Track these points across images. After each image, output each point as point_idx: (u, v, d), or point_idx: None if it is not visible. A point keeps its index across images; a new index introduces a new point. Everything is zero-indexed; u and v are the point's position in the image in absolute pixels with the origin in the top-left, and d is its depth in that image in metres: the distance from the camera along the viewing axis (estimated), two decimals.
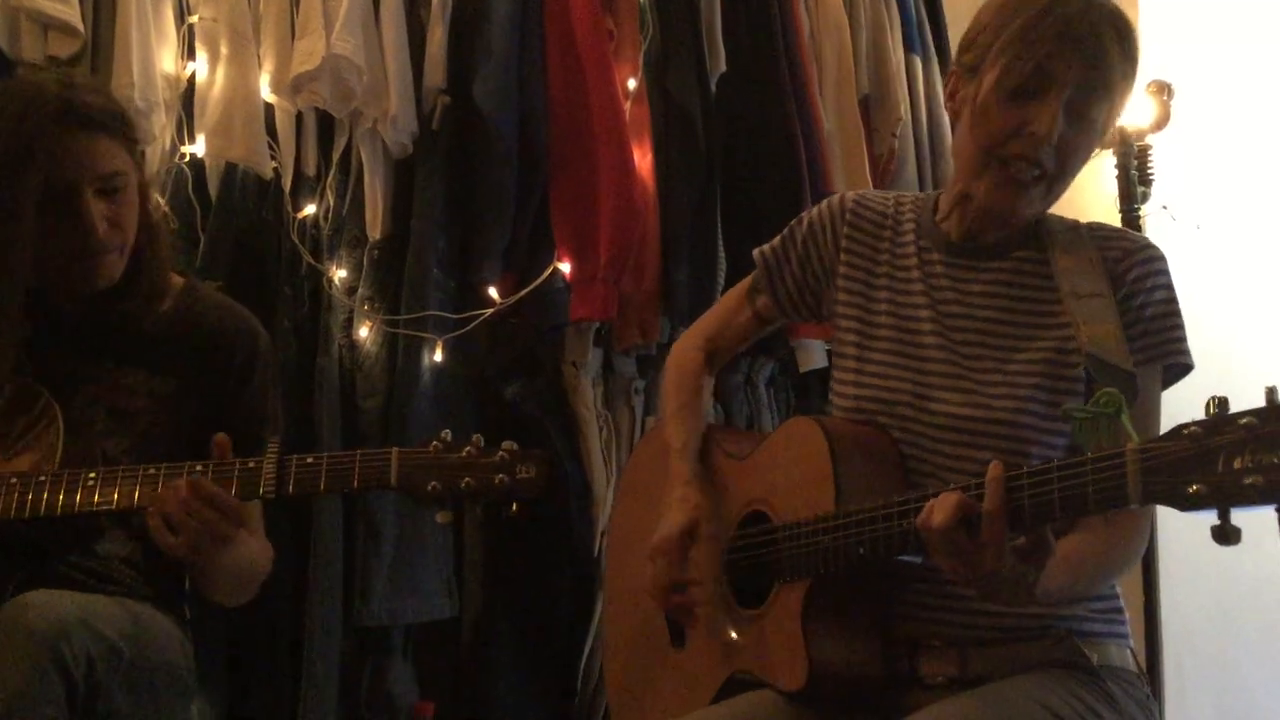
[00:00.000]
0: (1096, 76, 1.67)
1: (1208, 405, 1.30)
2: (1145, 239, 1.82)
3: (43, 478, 1.84)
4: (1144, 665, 1.81)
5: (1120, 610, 1.77)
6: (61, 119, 1.86)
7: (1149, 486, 1.32)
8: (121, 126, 1.96)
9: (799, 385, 3.36)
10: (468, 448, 1.80)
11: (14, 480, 1.84)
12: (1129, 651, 1.75)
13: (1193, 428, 1.30)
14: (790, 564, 1.72)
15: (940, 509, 1.49)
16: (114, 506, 1.83)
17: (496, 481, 1.79)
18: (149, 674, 1.82)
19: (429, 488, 1.78)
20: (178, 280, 2.10)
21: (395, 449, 1.80)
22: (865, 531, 1.61)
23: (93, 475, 1.84)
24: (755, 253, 2.02)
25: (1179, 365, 1.75)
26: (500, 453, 1.80)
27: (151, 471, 1.83)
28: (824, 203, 1.97)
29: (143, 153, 2.34)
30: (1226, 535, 1.27)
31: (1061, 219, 1.83)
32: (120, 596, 1.90)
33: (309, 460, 1.82)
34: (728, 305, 2.10)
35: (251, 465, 1.82)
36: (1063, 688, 1.63)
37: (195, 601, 2.11)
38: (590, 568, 2.94)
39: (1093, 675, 1.66)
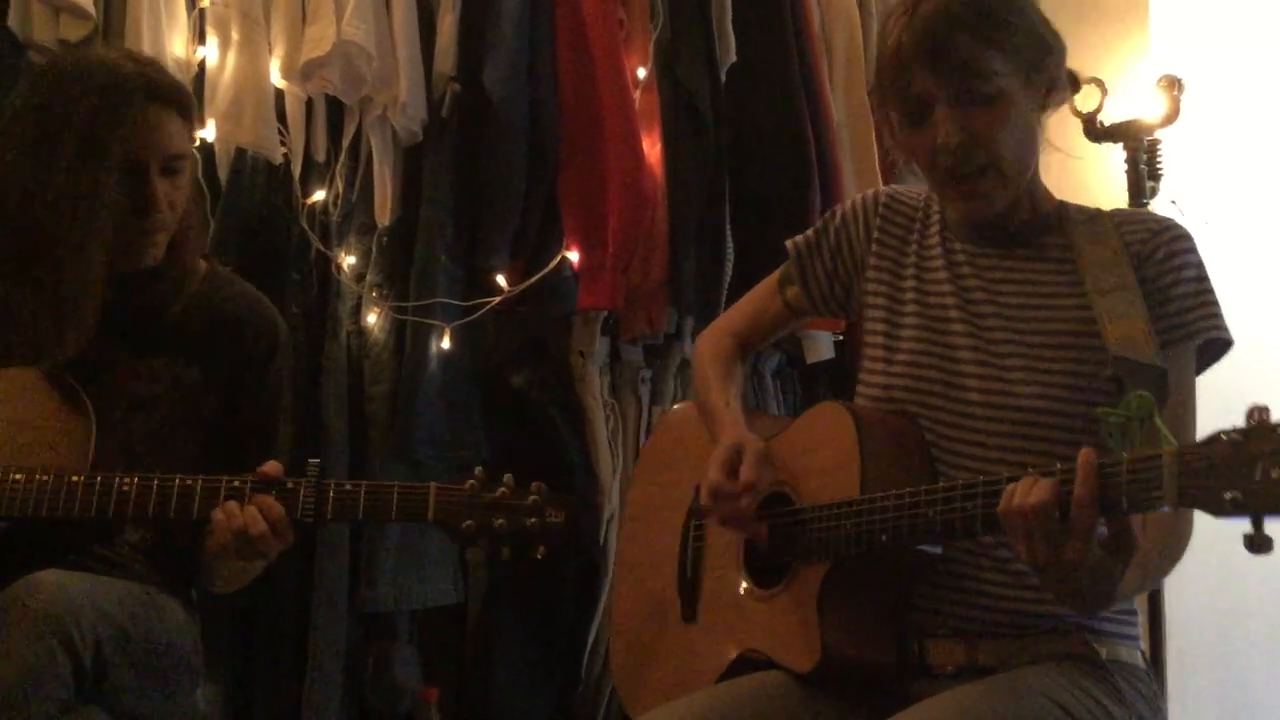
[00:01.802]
0: (956, 67, 1.69)
1: (1249, 413, 1.29)
2: (1168, 219, 1.80)
3: (75, 478, 1.83)
4: (1149, 662, 1.81)
5: (1133, 612, 1.76)
6: (144, 93, 1.90)
7: (1185, 490, 1.32)
8: (190, 108, 1.99)
9: (806, 376, 3.36)
10: (501, 488, 1.84)
11: (45, 478, 1.83)
12: (1139, 652, 1.75)
13: (1232, 434, 1.29)
14: (810, 546, 1.73)
15: (1034, 490, 1.46)
16: (151, 513, 1.84)
17: (528, 525, 1.83)
18: (156, 656, 1.83)
19: (464, 525, 1.82)
20: (201, 264, 2.10)
21: (433, 485, 1.83)
22: (889, 519, 1.61)
23: (127, 481, 1.83)
24: (788, 243, 2.03)
25: (1218, 341, 1.73)
26: (532, 495, 1.84)
27: (189, 483, 1.83)
28: (859, 196, 1.99)
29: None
30: (1259, 544, 1.27)
31: (1082, 208, 1.83)
32: (130, 580, 1.90)
33: (347, 487, 1.84)
34: (758, 296, 2.09)
35: (290, 486, 1.83)
36: (1071, 681, 1.63)
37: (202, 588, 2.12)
38: (595, 556, 2.94)
39: (1101, 670, 1.66)
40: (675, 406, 2.92)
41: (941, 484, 1.59)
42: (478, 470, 1.86)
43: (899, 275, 1.89)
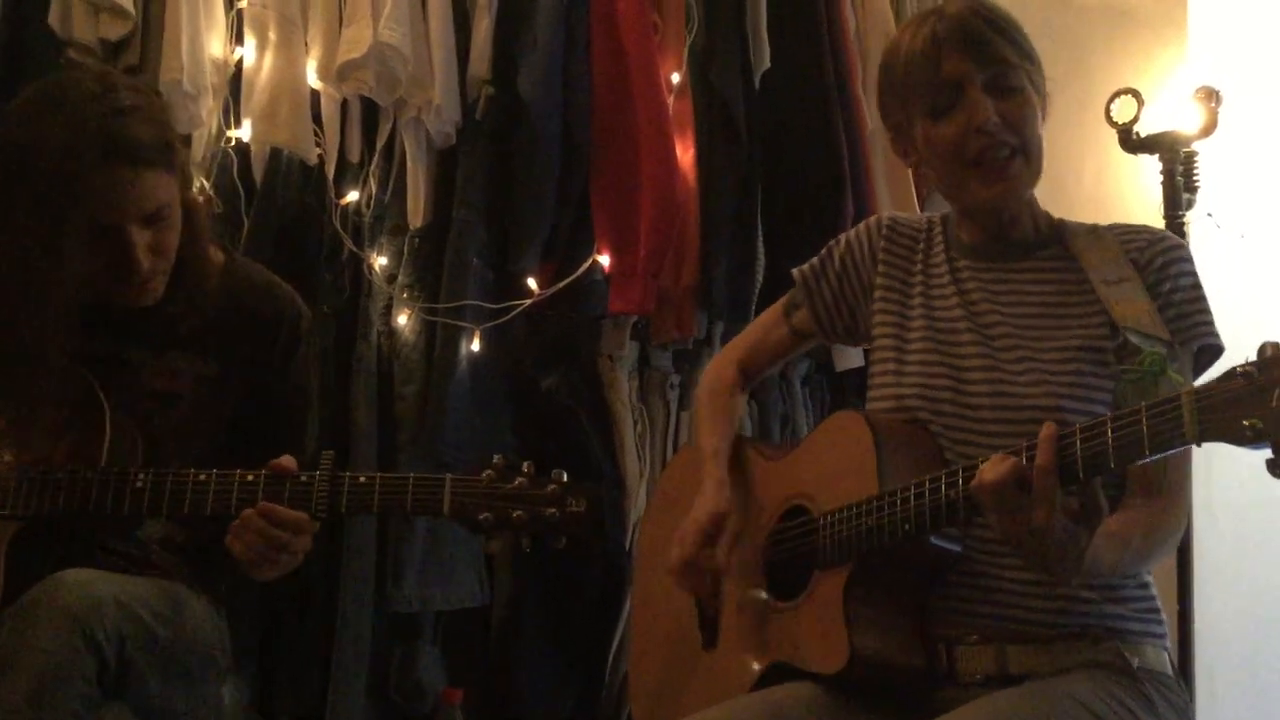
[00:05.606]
0: (989, 54, 1.77)
1: (1261, 349, 1.33)
2: (1164, 231, 1.89)
3: (89, 474, 1.83)
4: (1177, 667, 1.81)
5: (1157, 610, 1.77)
6: (108, 158, 1.77)
7: (1205, 424, 1.35)
8: (168, 156, 1.86)
9: (835, 384, 3.36)
10: (520, 478, 1.81)
11: (60, 476, 1.83)
12: (1165, 654, 1.76)
13: (1245, 367, 1.33)
14: (831, 550, 1.74)
15: (993, 467, 1.53)
16: (165, 509, 1.83)
17: (547, 515, 1.79)
18: (182, 654, 1.83)
19: (480, 518, 1.79)
20: (218, 256, 2.04)
21: (448, 476, 1.81)
22: (910, 507, 1.63)
23: (141, 477, 1.83)
24: (794, 271, 2.07)
25: (1210, 347, 1.77)
26: (551, 485, 1.81)
27: (202, 478, 1.82)
28: (861, 224, 2.04)
29: (185, 153, 2.24)
30: None
31: (1080, 224, 1.89)
32: (156, 578, 1.89)
33: (361, 480, 1.82)
34: (763, 323, 2.14)
35: (304, 480, 1.82)
36: (1102, 689, 1.63)
37: (229, 582, 2.12)
38: (621, 559, 2.94)
39: (1132, 678, 1.67)
40: (689, 419, 2.92)
41: (962, 465, 1.61)
42: (496, 459, 1.82)
43: (906, 295, 1.92)
